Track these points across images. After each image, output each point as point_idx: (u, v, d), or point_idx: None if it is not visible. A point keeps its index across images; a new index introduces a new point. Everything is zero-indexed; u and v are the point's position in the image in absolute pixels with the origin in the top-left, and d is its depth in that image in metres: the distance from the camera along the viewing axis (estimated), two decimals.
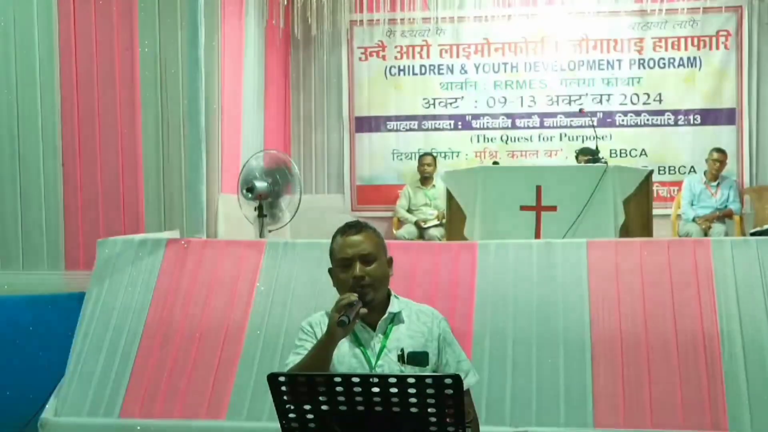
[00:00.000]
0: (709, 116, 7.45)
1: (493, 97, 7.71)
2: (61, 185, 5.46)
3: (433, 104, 7.79)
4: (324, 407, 1.79)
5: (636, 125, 7.54)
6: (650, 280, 3.77)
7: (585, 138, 7.34)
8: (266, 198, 5.58)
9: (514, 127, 7.70)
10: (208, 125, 4.87)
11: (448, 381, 1.73)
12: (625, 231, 4.92)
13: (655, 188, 6.13)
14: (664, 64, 7.51)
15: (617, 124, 7.56)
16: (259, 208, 5.57)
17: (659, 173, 7.30)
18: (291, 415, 1.82)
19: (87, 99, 5.48)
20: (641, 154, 7.53)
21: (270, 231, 5.69)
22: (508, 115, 7.70)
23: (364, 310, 2.06)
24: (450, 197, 5.29)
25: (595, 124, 7.00)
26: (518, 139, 7.69)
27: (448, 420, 1.78)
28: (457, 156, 7.74)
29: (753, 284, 3.69)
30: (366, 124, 7.88)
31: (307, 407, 1.81)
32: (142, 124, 5.52)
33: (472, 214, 5.04)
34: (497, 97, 7.70)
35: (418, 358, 2.14)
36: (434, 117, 7.79)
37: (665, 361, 3.55)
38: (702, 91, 7.45)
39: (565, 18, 7.58)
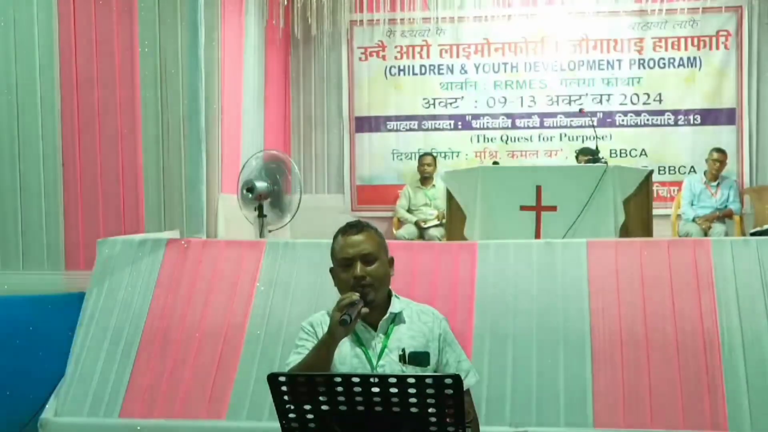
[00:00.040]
0: (709, 116, 7.45)
1: (493, 97, 7.71)
2: (61, 185, 5.45)
3: (433, 104, 7.79)
4: (324, 407, 1.80)
5: (636, 125, 7.54)
6: (650, 280, 3.77)
7: (585, 138, 7.34)
8: (266, 198, 5.58)
9: (514, 127, 7.70)
10: (208, 125, 4.88)
11: (448, 381, 1.74)
12: (625, 231, 4.92)
13: (655, 188, 6.13)
14: (664, 64, 7.51)
15: (617, 124, 7.56)
16: (259, 208, 5.57)
17: (659, 173, 7.30)
18: (291, 415, 1.83)
19: (87, 99, 5.48)
20: (641, 154, 7.53)
21: (270, 231, 5.69)
22: (508, 115, 7.70)
23: (365, 310, 2.06)
24: (450, 197, 5.30)
25: (595, 124, 7.00)
26: (518, 139, 7.69)
27: (448, 420, 1.78)
28: (457, 156, 7.74)
29: (753, 284, 3.69)
30: (366, 124, 7.88)
31: (307, 407, 1.81)
32: (142, 124, 5.51)
33: (472, 214, 5.04)
34: (497, 97, 7.70)
35: (419, 358, 2.14)
36: (434, 117, 7.79)
37: (665, 361, 3.56)
38: (702, 91, 7.45)
39: (565, 18, 7.58)
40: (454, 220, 5.25)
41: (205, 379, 3.76)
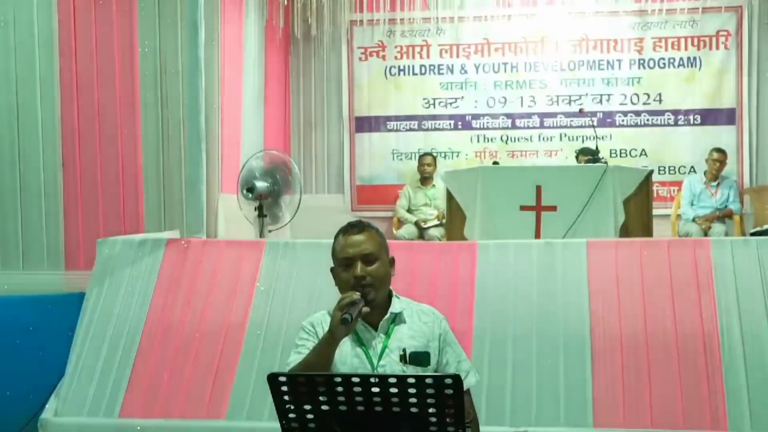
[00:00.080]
0: (709, 116, 7.45)
1: (493, 97, 7.71)
2: (61, 185, 5.45)
3: (433, 104, 7.79)
4: (324, 407, 1.80)
5: (636, 125, 7.54)
6: (650, 280, 3.77)
7: (585, 138, 7.34)
8: (266, 198, 5.58)
9: (514, 127, 7.70)
10: (208, 125, 4.87)
11: (448, 381, 1.74)
12: (625, 231, 4.92)
13: (655, 188, 6.13)
14: (664, 64, 7.51)
15: (617, 124, 7.55)
16: (259, 208, 5.57)
17: (659, 173, 7.30)
18: (291, 415, 1.82)
19: (87, 99, 5.48)
20: (641, 154, 7.53)
21: (270, 231, 5.69)
22: (508, 115, 7.70)
23: (366, 309, 2.06)
24: (450, 197, 5.30)
25: (595, 124, 7.00)
26: (518, 139, 7.69)
27: (448, 420, 1.78)
28: (457, 156, 7.74)
29: (753, 284, 3.69)
30: (366, 124, 7.88)
31: (307, 407, 1.81)
32: (142, 123, 5.52)
33: (472, 214, 5.04)
34: (497, 97, 7.70)
35: (419, 358, 2.14)
36: (434, 117, 7.78)
37: (665, 361, 3.56)
38: (702, 91, 7.45)
39: (565, 18, 7.58)
40: (454, 220, 5.25)
41: (205, 379, 3.76)
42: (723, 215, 6.59)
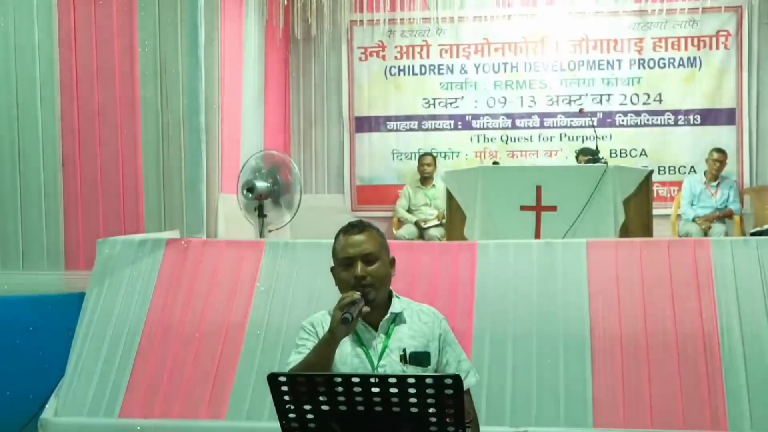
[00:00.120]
0: (709, 116, 7.45)
1: (493, 97, 7.71)
2: (61, 185, 5.45)
3: (433, 104, 7.79)
4: (324, 407, 1.80)
5: (636, 125, 7.54)
6: (650, 280, 3.77)
7: (585, 138, 7.34)
8: (266, 198, 5.58)
9: (514, 127, 7.70)
10: (208, 125, 4.87)
11: (448, 381, 1.74)
12: (625, 231, 4.92)
13: (655, 188, 6.13)
14: (664, 64, 7.51)
15: (617, 124, 7.56)
16: (259, 208, 5.57)
17: (659, 173, 7.30)
18: (291, 415, 1.83)
19: (87, 99, 5.48)
20: (641, 154, 7.53)
21: (270, 231, 5.69)
22: (508, 115, 7.70)
23: (366, 309, 2.06)
24: (450, 197, 5.30)
25: (595, 124, 7.00)
26: (518, 139, 7.69)
27: (448, 420, 1.78)
28: (457, 156, 7.74)
29: (753, 284, 3.69)
30: (366, 124, 7.88)
31: (307, 407, 1.81)
32: (142, 123, 5.52)
33: (472, 214, 5.04)
34: (497, 97, 7.70)
35: (420, 358, 2.14)
36: (434, 117, 7.79)
37: (665, 361, 3.56)
38: (702, 91, 7.45)
39: (565, 18, 7.58)
40: (454, 220, 5.25)
41: (205, 379, 3.76)
42: (723, 215, 6.59)
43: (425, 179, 7.18)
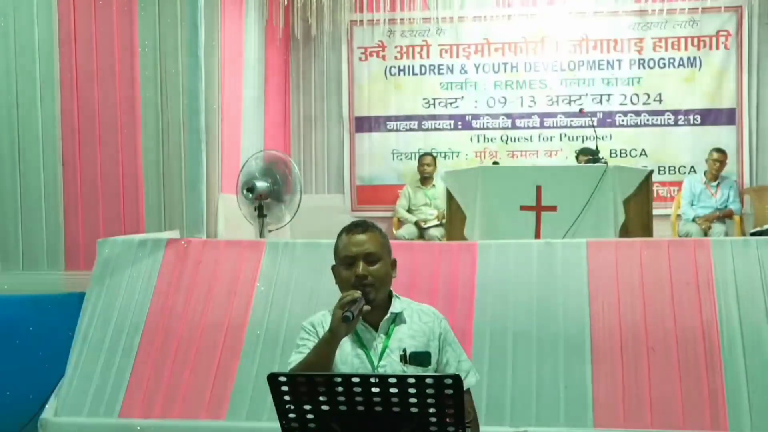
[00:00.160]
0: (709, 116, 7.45)
1: (493, 97, 7.71)
2: (61, 185, 5.45)
3: (433, 104, 7.79)
4: (324, 407, 1.80)
5: (636, 125, 7.55)
6: (650, 280, 3.77)
7: (585, 138, 7.34)
8: (266, 198, 5.59)
9: (514, 127, 7.70)
10: (208, 125, 4.87)
11: (448, 381, 1.74)
12: (625, 231, 4.92)
13: (655, 188, 6.14)
14: (664, 64, 7.51)
15: (617, 124, 7.56)
16: (259, 208, 5.57)
17: (659, 173, 7.30)
18: (291, 415, 1.83)
19: (87, 99, 5.48)
20: (641, 154, 7.53)
21: (270, 231, 5.69)
22: (508, 115, 7.70)
23: (367, 308, 2.07)
24: (450, 197, 5.30)
25: (595, 124, 7.00)
26: (518, 139, 7.70)
27: (448, 420, 1.78)
28: (457, 156, 7.74)
29: (753, 284, 3.69)
30: (366, 124, 7.88)
31: (307, 407, 1.81)
32: (142, 123, 5.52)
33: (472, 214, 5.04)
34: (497, 97, 7.70)
35: (420, 358, 2.14)
36: (434, 117, 7.79)
37: (665, 361, 3.56)
38: (702, 91, 7.45)
39: (565, 18, 7.58)
40: (454, 220, 5.25)
41: (205, 379, 3.76)
42: (723, 215, 6.59)
43: (425, 179, 7.18)
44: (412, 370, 2.12)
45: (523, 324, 3.72)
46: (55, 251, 5.44)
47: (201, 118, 4.49)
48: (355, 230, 2.19)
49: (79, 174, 5.46)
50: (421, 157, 7.28)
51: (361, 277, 2.12)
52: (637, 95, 7.54)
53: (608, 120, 7.55)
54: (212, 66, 5.59)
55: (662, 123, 7.51)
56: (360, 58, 7.87)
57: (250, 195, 5.52)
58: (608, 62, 7.58)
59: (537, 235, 4.83)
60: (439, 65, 7.77)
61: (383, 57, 7.85)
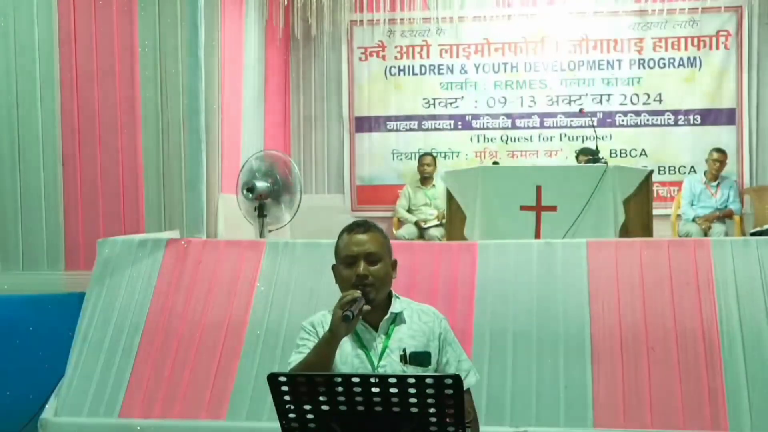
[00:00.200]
0: (709, 116, 7.45)
1: (493, 97, 7.71)
2: (61, 185, 5.45)
3: (433, 104, 7.79)
4: (324, 407, 1.80)
5: (636, 125, 7.55)
6: (650, 280, 3.77)
7: (585, 138, 7.34)
8: (266, 198, 5.58)
9: (514, 127, 7.70)
10: (208, 125, 4.87)
11: (448, 381, 1.74)
12: (625, 231, 4.92)
13: (655, 188, 6.13)
14: (664, 64, 7.51)
15: (617, 124, 7.56)
16: (259, 208, 5.57)
17: (659, 173, 7.30)
18: (291, 415, 1.83)
19: (87, 99, 5.48)
20: (641, 154, 7.53)
21: (270, 231, 5.69)
22: (508, 115, 7.70)
23: (367, 307, 2.07)
24: (450, 197, 5.29)
25: (595, 124, 7.00)
26: (518, 139, 7.70)
27: (448, 420, 1.78)
28: (457, 156, 7.74)
29: (753, 284, 3.69)
30: (366, 124, 7.88)
31: (307, 407, 1.81)
32: (142, 123, 5.52)
33: (472, 214, 5.04)
34: (497, 97, 7.70)
35: (420, 358, 2.14)
36: (434, 117, 7.79)
37: (665, 361, 3.55)
38: (702, 91, 7.45)
39: (565, 18, 7.58)
40: (454, 220, 5.25)
41: (205, 379, 3.76)
42: (723, 215, 6.59)
43: (425, 179, 7.18)
44: (412, 370, 2.12)
45: (523, 324, 3.72)
46: (55, 251, 5.44)
47: (201, 118, 4.49)
48: (356, 230, 2.20)
49: (79, 174, 5.47)
50: (421, 157, 7.28)
51: (362, 276, 2.12)
52: (637, 95, 7.54)
53: (608, 120, 7.55)
54: (212, 66, 5.59)
55: (662, 123, 7.51)
56: (360, 58, 7.87)
57: (250, 195, 5.52)
58: (608, 62, 7.58)
59: (537, 235, 4.83)
60: (439, 65, 7.77)
61: (383, 57, 7.85)
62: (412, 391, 1.74)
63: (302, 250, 4.10)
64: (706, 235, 6.34)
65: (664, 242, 4.07)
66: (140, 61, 5.50)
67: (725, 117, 7.42)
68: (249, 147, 6.40)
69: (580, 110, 6.83)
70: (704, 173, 6.80)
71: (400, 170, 7.78)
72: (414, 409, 1.77)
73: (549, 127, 7.65)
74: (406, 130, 7.80)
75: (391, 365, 2.13)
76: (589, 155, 6.12)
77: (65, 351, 3.95)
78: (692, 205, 6.67)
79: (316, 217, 6.47)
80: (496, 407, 3.50)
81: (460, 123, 7.75)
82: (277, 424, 1.86)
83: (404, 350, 2.15)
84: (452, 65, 7.76)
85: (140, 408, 3.72)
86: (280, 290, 3.97)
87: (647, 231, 5.14)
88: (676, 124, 7.50)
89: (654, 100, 7.51)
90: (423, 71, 7.80)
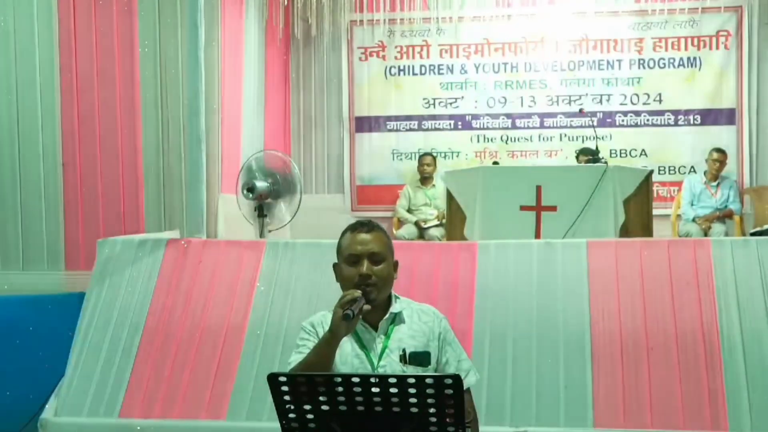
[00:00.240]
0: (709, 116, 7.45)
1: (493, 97, 7.71)
2: (61, 185, 5.45)
3: (433, 104, 7.79)
4: (324, 407, 1.80)
5: (636, 125, 7.54)
6: (650, 280, 3.77)
7: (585, 138, 7.34)
8: (266, 198, 5.58)
9: (514, 127, 7.70)
10: (208, 125, 4.87)
11: (448, 381, 1.74)
12: (625, 231, 4.92)
13: (655, 188, 6.13)
14: (664, 64, 7.51)
15: (617, 124, 7.56)
16: (259, 208, 5.57)
17: (659, 173, 7.30)
18: (291, 415, 1.83)
19: (87, 99, 5.48)
20: (641, 154, 7.53)
21: (270, 231, 5.69)
22: (508, 115, 7.70)
23: (367, 307, 2.07)
24: (450, 197, 5.29)
25: (595, 124, 7.00)
26: (518, 139, 7.69)
27: (448, 420, 1.78)
28: (457, 156, 7.74)
29: (753, 284, 3.69)
30: (366, 124, 7.88)
31: (307, 407, 1.81)
32: (142, 124, 5.52)
33: (472, 214, 5.04)
34: (497, 97, 7.70)
35: (420, 358, 2.14)
36: (434, 117, 7.79)
37: (665, 361, 3.56)
38: (702, 91, 7.45)
39: (565, 18, 7.58)
40: (454, 220, 5.25)
41: (205, 379, 3.76)
42: (723, 215, 6.59)
43: (425, 179, 7.18)
44: (411, 370, 2.12)
45: (523, 324, 3.72)
46: (55, 251, 5.45)
47: (201, 118, 4.49)
48: (360, 229, 2.20)
49: (79, 174, 5.47)
50: (421, 157, 7.28)
51: (365, 276, 2.12)
52: (637, 95, 7.54)
53: (608, 120, 7.54)
54: (212, 66, 5.59)
55: (662, 123, 7.51)
56: (360, 58, 7.87)
57: (250, 195, 5.52)
58: (608, 62, 7.57)
59: (537, 235, 4.83)
60: (439, 65, 7.77)
61: (383, 57, 7.85)
62: (412, 391, 1.74)
63: (302, 250, 4.10)
64: (706, 235, 6.33)
65: (664, 242, 4.07)
66: (140, 62, 5.50)
67: (725, 117, 7.42)
68: (249, 147, 6.40)
69: (580, 110, 6.83)
70: (704, 173, 6.80)
71: (400, 170, 7.78)
72: (414, 409, 1.77)
73: (549, 127, 7.65)
74: (406, 130, 7.80)
75: (391, 365, 2.13)
76: (589, 155, 6.12)
77: (65, 351, 3.95)
78: (692, 205, 6.67)
79: (316, 217, 6.47)
80: (496, 407, 3.51)
81: (460, 123, 7.75)
82: (277, 424, 1.86)
83: (404, 350, 2.15)
84: (452, 65, 7.75)
85: (140, 408, 3.73)
86: (280, 290, 3.97)
87: (647, 231, 5.14)
88: (676, 124, 7.49)
89: (654, 100, 7.51)
90: (423, 71, 7.80)
